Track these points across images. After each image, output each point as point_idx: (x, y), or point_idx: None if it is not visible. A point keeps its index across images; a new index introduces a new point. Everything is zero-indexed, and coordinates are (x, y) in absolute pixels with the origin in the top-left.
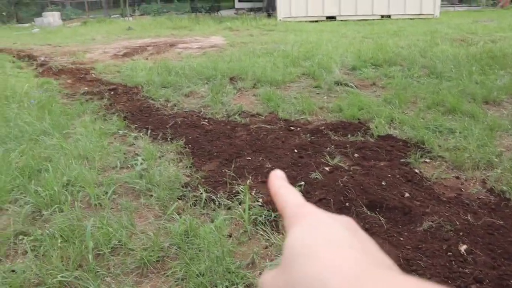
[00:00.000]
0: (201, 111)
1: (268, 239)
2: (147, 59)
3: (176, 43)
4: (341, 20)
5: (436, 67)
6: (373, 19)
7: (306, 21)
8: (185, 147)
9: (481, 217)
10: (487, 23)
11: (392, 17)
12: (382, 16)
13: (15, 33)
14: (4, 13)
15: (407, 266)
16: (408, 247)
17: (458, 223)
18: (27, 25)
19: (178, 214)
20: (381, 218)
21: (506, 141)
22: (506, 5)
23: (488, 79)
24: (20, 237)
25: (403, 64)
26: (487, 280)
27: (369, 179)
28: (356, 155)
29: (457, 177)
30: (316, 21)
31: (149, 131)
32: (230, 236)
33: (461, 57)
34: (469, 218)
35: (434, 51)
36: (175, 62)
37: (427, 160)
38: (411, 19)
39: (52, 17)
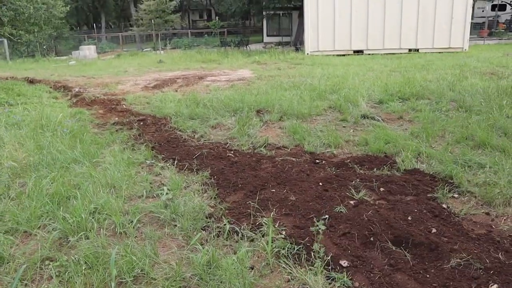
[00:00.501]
0: (227, 143)
1: (291, 273)
2: (176, 91)
3: (205, 76)
4: (369, 54)
5: (465, 101)
6: (401, 53)
7: (333, 55)
8: (210, 178)
9: None
10: None
11: (420, 50)
12: (410, 50)
13: (53, 65)
14: (44, 47)
15: None
16: (434, 284)
17: (488, 261)
18: (64, 57)
19: (201, 245)
20: (407, 254)
21: None
22: None
23: None
24: (47, 262)
25: (431, 98)
26: None
27: (395, 214)
28: (381, 189)
29: (487, 213)
30: (344, 55)
31: (175, 162)
32: (252, 268)
33: (491, 91)
34: (500, 256)
35: (463, 84)
36: (203, 95)
37: (455, 195)
38: (439, 52)
39: (88, 50)
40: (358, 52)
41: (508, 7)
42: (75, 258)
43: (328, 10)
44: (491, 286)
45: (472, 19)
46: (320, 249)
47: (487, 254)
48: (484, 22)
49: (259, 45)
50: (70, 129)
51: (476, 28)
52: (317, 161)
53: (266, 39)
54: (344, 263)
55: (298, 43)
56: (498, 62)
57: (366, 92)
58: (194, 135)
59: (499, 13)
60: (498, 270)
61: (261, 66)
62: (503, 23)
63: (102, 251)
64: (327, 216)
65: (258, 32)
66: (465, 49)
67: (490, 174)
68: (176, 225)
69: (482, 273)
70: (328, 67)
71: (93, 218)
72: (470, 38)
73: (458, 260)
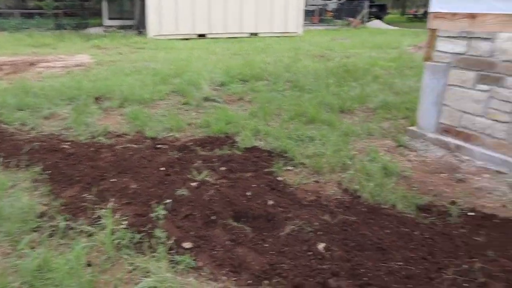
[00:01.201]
0: (62, 134)
1: (132, 263)
2: (1, 79)
3: (37, 62)
4: (212, 38)
5: (298, 81)
6: (242, 37)
7: (177, 39)
8: (43, 174)
9: (337, 216)
10: (343, 41)
11: (260, 34)
12: (251, 34)
13: None
14: None
15: (272, 270)
16: (272, 252)
17: (317, 223)
18: None
19: (32, 248)
20: (247, 228)
21: (358, 145)
22: (357, 25)
23: (342, 90)
24: None
25: (269, 79)
26: (343, 272)
27: (235, 191)
28: (223, 168)
29: (317, 181)
30: (187, 39)
31: (0, 159)
32: (89, 265)
33: (321, 72)
34: (326, 218)
35: (297, 66)
36: (34, 82)
37: (290, 168)
38: (277, 36)
39: None
40: (202, 36)
41: None
42: None
43: None
44: (319, 245)
45: (305, 6)
46: (162, 234)
47: (316, 218)
48: (315, 10)
49: (99, 28)
50: None
51: (309, 15)
52: (159, 146)
53: (107, 22)
54: (187, 245)
55: (140, 27)
56: (327, 46)
57: (209, 75)
58: (23, 128)
59: (327, 2)
60: (325, 230)
61: (102, 51)
62: (331, 11)
63: None
64: (169, 200)
65: (98, 15)
66: (300, 34)
67: (319, 146)
68: (0, 231)
69: (312, 235)
70: (171, 51)
71: None
72: (304, 24)
73: (292, 226)
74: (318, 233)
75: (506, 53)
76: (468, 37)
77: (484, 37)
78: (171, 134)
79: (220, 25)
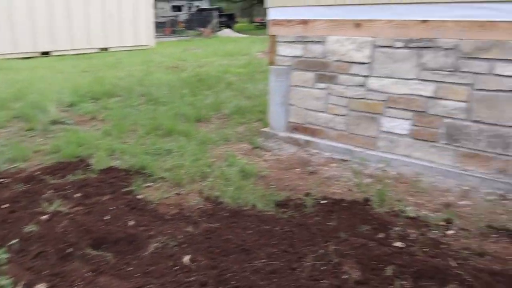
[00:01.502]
0: None
1: None
2: None
3: None
4: (58, 55)
5: (152, 94)
6: (92, 53)
7: (16, 58)
8: None
9: (200, 225)
10: (195, 51)
11: (110, 49)
12: (101, 49)
13: None
14: None
15: None
16: (137, 275)
17: (181, 236)
18: None
19: None
20: (108, 254)
21: (216, 151)
22: (209, 35)
23: (197, 99)
24: None
25: (122, 95)
26: (211, 280)
27: (92, 217)
28: (77, 195)
29: (178, 194)
30: (29, 57)
31: None
32: None
33: (174, 83)
34: (190, 229)
35: (150, 79)
36: None
37: (150, 184)
38: (129, 50)
39: None
40: (46, 53)
41: (183, 8)
42: None
43: (2, 6)
44: (184, 258)
45: (156, 18)
46: (7, 281)
47: (179, 231)
48: (166, 22)
49: None
50: None
51: (160, 27)
52: (0, 181)
53: None
54: (40, 287)
55: None
56: (179, 56)
57: (56, 96)
58: None
59: (178, 13)
60: (189, 242)
61: None
62: (182, 22)
63: None
64: (16, 240)
65: None
66: (152, 46)
67: (177, 157)
68: None
69: (177, 249)
70: (9, 72)
71: None
72: (156, 36)
73: (156, 244)
74: (183, 245)
75: (336, 54)
76: (303, 41)
77: (317, 40)
78: (14, 165)
79: (66, 41)
